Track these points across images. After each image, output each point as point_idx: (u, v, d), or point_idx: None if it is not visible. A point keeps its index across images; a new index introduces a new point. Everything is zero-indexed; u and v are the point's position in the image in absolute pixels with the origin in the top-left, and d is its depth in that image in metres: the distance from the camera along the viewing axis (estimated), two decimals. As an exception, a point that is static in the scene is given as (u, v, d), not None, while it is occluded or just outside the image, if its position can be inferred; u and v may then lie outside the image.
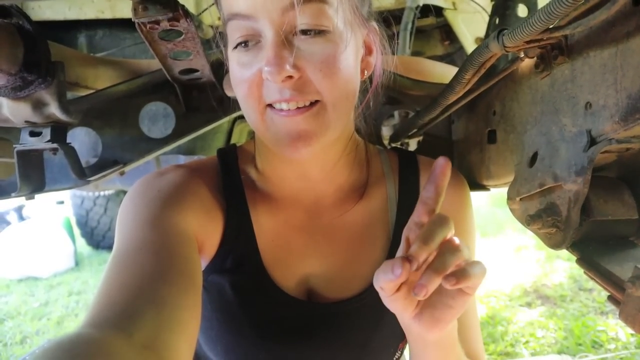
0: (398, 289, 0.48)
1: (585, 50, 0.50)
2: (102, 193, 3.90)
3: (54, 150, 0.80)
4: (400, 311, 0.51)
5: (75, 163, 0.82)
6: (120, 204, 0.61)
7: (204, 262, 0.66)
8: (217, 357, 0.67)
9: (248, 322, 0.65)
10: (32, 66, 0.66)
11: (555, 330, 2.61)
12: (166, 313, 0.44)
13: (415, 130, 0.98)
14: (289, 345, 0.66)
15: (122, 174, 1.00)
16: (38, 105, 0.73)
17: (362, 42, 0.61)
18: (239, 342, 0.66)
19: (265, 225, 0.68)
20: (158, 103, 0.96)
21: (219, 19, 0.60)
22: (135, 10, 0.58)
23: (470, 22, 1.47)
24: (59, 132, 0.80)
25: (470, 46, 1.48)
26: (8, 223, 5.05)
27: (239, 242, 0.66)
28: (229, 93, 0.83)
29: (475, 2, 1.40)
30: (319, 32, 0.52)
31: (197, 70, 0.82)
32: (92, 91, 0.91)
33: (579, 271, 3.27)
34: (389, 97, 0.99)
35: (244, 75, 0.54)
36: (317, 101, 0.54)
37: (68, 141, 0.83)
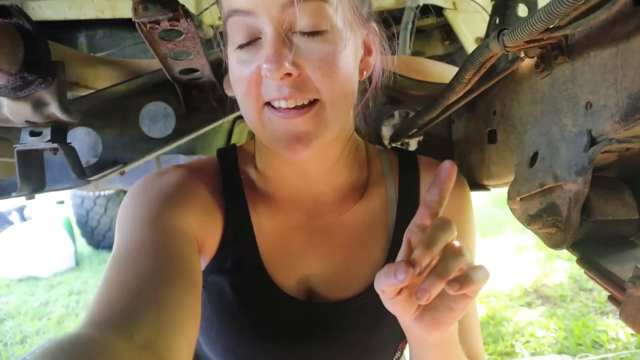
0: (399, 292, 0.48)
1: (585, 50, 0.50)
2: (102, 193, 3.90)
3: (54, 150, 0.80)
4: (401, 313, 0.51)
5: (76, 163, 0.82)
6: (120, 204, 0.61)
7: (204, 262, 0.66)
8: (217, 357, 0.67)
9: (248, 322, 0.65)
10: (32, 66, 0.66)
11: (555, 330, 2.61)
12: (166, 313, 0.44)
13: (415, 130, 0.98)
14: (289, 345, 0.66)
15: (122, 173, 1.00)
16: (38, 105, 0.73)
17: (361, 42, 0.61)
18: (239, 342, 0.66)
19: (265, 226, 0.68)
20: (158, 103, 0.96)
21: (219, 18, 0.60)
22: (135, 10, 0.58)
23: (471, 22, 1.47)
24: (59, 132, 0.80)
25: (470, 46, 1.48)
26: (11, 223, 5.06)
27: (238, 242, 0.66)
28: (229, 93, 0.83)
29: (476, 2, 1.40)
30: (318, 32, 0.52)
31: (197, 70, 0.82)
32: (92, 91, 0.91)
33: (579, 271, 3.26)
34: (389, 97, 0.99)
35: (243, 73, 0.54)
36: (315, 100, 0.54)
37: (68, 141, 0.83)
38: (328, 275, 0.69)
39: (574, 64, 0.52)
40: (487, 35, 1.00)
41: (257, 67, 0.53)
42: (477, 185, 0.91)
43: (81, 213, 4.13)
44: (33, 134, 0.79)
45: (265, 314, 0.66)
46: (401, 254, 0.50)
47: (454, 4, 1.48)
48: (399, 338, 0.69)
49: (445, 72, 1.03)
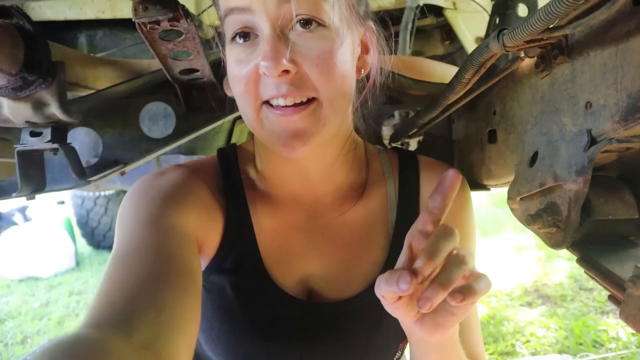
0: (400, 297, 0.48)
1: (585, 50, 0.50)
2: (102, 193, 3.90)
3: (55, 151, 0.80)
4: (402, 317, 0.51)
5: (76, 163, 0.82)
6: (120, 204, 0.61)
7: (204, 262, 0.66)
8: (217, 357, 0.68)
9: (248, 322, 0.65)
10: (32, 66, 0.66)
11: (555, 329, 2.61)
12: (166, 313, 0.44)
13: (415, 130, 0.98)
14: (289, 345, 0.66)
15: (122, 174, 1.00)
16: (38, 106, 0.73)
17: (358, 40, 0.61)
18: (239, 341, 0.66)
19: (265, 225, 0.68)
20: (158, 103, 0.96)
21: (219, 18, 0.60)
22: (135, 10, 0.59)
23: (471, 22, 1.47)
24: (60, 132, 0.80)
25: (470, 46, 1.48)
26: (15, 224, 5.05)
27: (239, 242, 0.66)
28: (228, 93, 0.83)
29: (476, 2, 1.40)
30: (316, 26, 0.52)
31: (197, 70, 0.82)
32: (92, 91, 0.91)
33: (579, 271, 3.26)
34: (389, 96, 0.99)
35: (241, 72, 0.55)
36: (313, 98, 0.55)
37: (68, 141, 0.83)
38: (328, 275, 0.69)
39: (573, 64, 0.52)
40: (487, 35, 1.00)
41: (255, 66, 0.53)
42: (477, 185, 0.91)
43: (81, 213, 4.13)
44: (33, 134, 0.79)
45: (265, 313, 0.66)
46: (402, 259, 0.50)
47: (454, 4, 1.48)
48: (400, 338, 0.69)
49: (445, 72, 1.03)
